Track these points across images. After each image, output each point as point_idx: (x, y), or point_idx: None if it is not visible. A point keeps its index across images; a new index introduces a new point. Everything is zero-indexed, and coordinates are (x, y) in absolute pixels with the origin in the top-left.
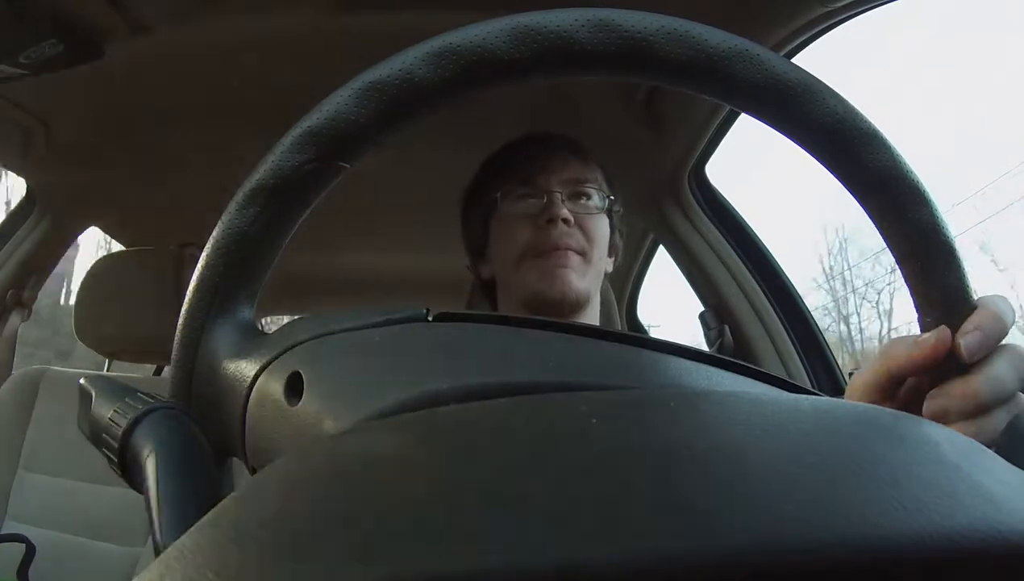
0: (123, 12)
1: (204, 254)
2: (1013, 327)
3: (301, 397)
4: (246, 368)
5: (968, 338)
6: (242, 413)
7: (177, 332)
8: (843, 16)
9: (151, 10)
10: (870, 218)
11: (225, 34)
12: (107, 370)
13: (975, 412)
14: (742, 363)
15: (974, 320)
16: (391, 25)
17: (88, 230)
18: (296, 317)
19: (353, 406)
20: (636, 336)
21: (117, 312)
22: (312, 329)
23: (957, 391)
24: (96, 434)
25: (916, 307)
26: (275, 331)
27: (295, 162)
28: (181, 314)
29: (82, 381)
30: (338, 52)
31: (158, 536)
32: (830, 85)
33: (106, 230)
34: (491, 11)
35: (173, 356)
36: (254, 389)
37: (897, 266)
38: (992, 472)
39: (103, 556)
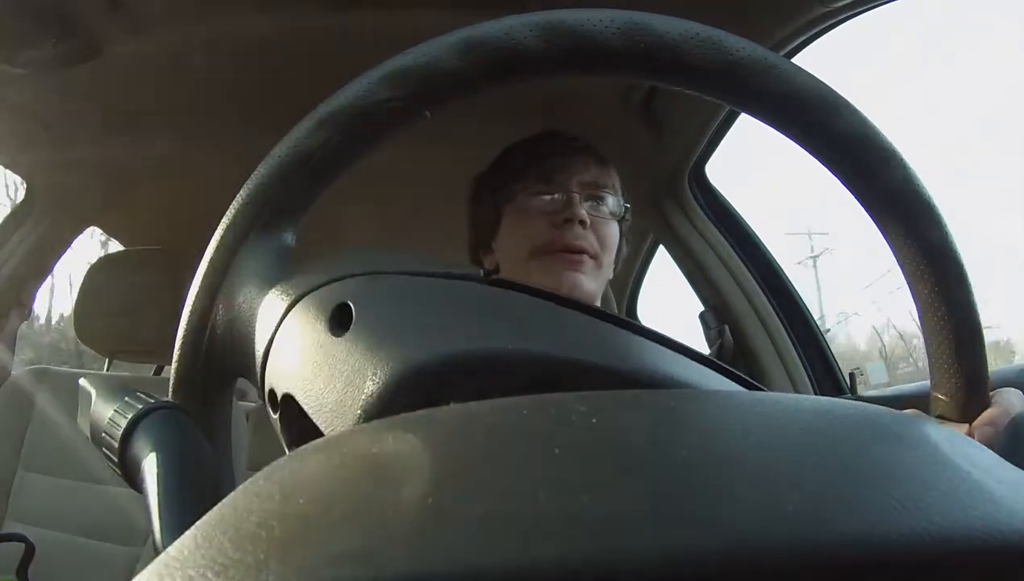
0: (123, 12)
1: (258, 170)
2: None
3: (347, 329)
4: (286, 290)
5: (982, 432)
6: (272, 334)
7: (212, 243)
8: (843, 16)
9: (151, 10)
10: (914, 298)
11: (225, 34)
12: (107, 370)
13: None
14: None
15: (985, 418)
16: (391, 25)
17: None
18: (348, 247)
19: (404, 349)
20: (655, 332)
21: (117, 312)
22: (366, 264)
23: None
24: (96, 434)
25: (934, 386)
26: (321, 259)
27: (381, 96)
28: (219, 228)
29: (82, 381)
30: (338, 52)
31: (158, 536)
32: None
33: (106, 230)
34: (492, 11)
35: (201, 269)
36: (291, 312)
37: (924, 339)
38: (992, 472)
39: (103, 556)
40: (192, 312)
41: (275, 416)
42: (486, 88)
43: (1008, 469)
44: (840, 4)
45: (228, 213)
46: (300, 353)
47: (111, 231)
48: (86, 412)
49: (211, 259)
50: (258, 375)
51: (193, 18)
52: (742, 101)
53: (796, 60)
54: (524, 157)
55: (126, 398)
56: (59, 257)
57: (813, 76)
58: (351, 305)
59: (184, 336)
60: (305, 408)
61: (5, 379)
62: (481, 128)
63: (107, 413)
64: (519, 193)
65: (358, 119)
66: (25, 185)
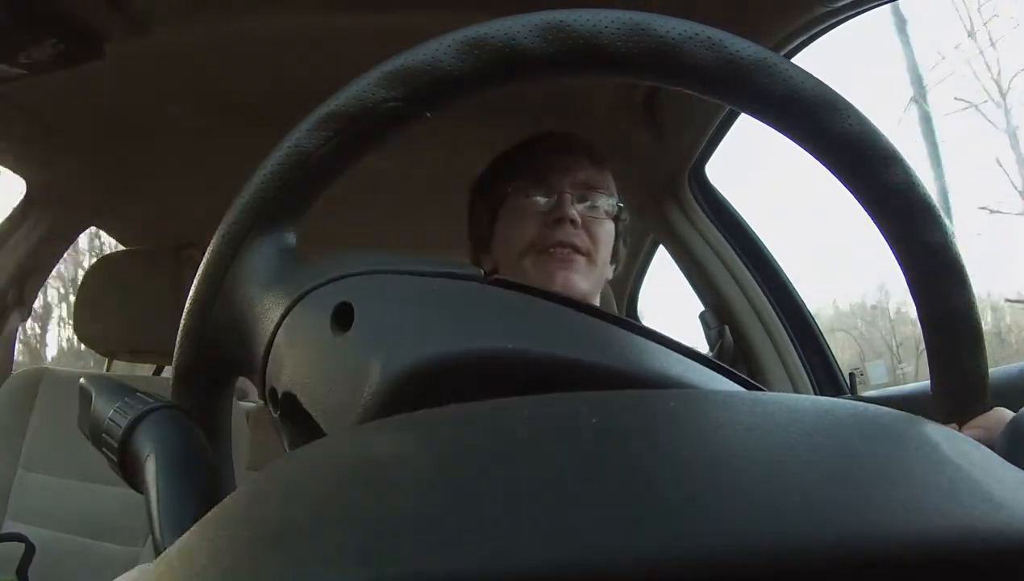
0: (123, 12)
1: (258, 170)
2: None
3: (348, 329)
4: (286, 289)
5: (980, 432)
6: (272, 333)
7: (212, 242)
8: (843, 16)
9: (151, 10)
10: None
11: (225, 34)
12: (107, 370)
13: None
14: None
15: (983, 421)
16: (391, 25)
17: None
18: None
19: (405, 348)
20: (652, 331)
21: (117, 312)
22: (368, 264)
23: None
24: (96, 434)
25: (934, 387)
26: (322, 258)
27: (380, 97)
28: (220, 226)
29: (82, 381)
30: (338, 52)
31: (158, 536)
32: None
33: (106, 230)
34: (492, 11)
35: (202, 267)
36: (292, 311)
37: (924, 341)
38: (992, 472)
39: (103, 556)
40: (192, 311)
41: (276, 415)
42: (485, 89)
43: (1008, 469)
44: (840, 4)
45: (228, 213)
46: (301, 352)
47: (111, 231)
48: (86, 412)
49: (211, 258)
50: (259, 374)
51: (193, 18)
52: (742, 102)
53: (796, 60)
54: (517, 159)
55: (126, 398)
56: (59, 257)
57: (814, 76)
58: (352, 304)
59: (184, 335)
60: (306, 407)
61: (5, 379)
62: (482, 128)
63: (107, 413)
64: (512, 194)
65: (357, 120)
66: (25, 185)
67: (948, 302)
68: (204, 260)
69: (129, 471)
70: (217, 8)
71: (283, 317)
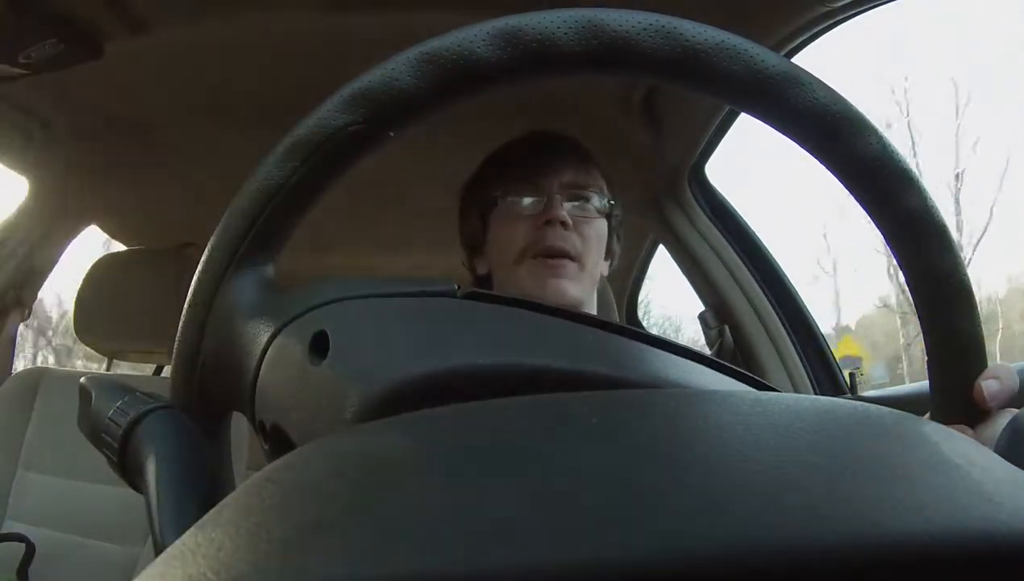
0: (123, 12)
1: (232, 204)
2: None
3: (325, 357)
4: (266, 322)
5: (989, 383)
6: (257, 367)
7: (194, 281)
8: (843, 16)
9: (151, 10)
10: (896, 257)
11: (225, 34)
12: (107, 370)
13: None
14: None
15: (992, 372)
16: (391, 25)
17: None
18: (322, 276)
19: (380, 372)
20: (638, 331)
21: (117, 312)
22: (341, 290)
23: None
24: (96, 434)
25: (930, 356)
26: (298, 288)
27: (342, 122)
28: (201, 262)
29: (82, 381)
30: (337, 52)
31: (158, 536)
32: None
33: (106, 230)
34: (492, 11)
35: (186, 305)
36: (273, 344)
37: (916, 307)
38: (992, 472)
39: (103, 556)
40: (181, 352)
41: (266, 447)
42: (445, 104)
43: (1008, 469)
44: (840, 4)
45: (207, 249)
46: (284, 384)
47: (111, 231)
48: (86, 412)
49: (194, 295)
50: (249, 408)
51: (193, 18)
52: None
53: (796, 60)
54: (505, 161)
55: (126, 398)
56: (59, 257)
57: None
58: (328, 332)
59: (176, 375)
60: (292, 437)
61: (5, 379)
62: (481, 128)
63: (107, 413)
64: (502, 198)
65: (321, 147)
66: (26, 185)
67: (952, 321)
68: (188, 296)
69: (129, 471)
70: (217, 8)
71: (264, 351)
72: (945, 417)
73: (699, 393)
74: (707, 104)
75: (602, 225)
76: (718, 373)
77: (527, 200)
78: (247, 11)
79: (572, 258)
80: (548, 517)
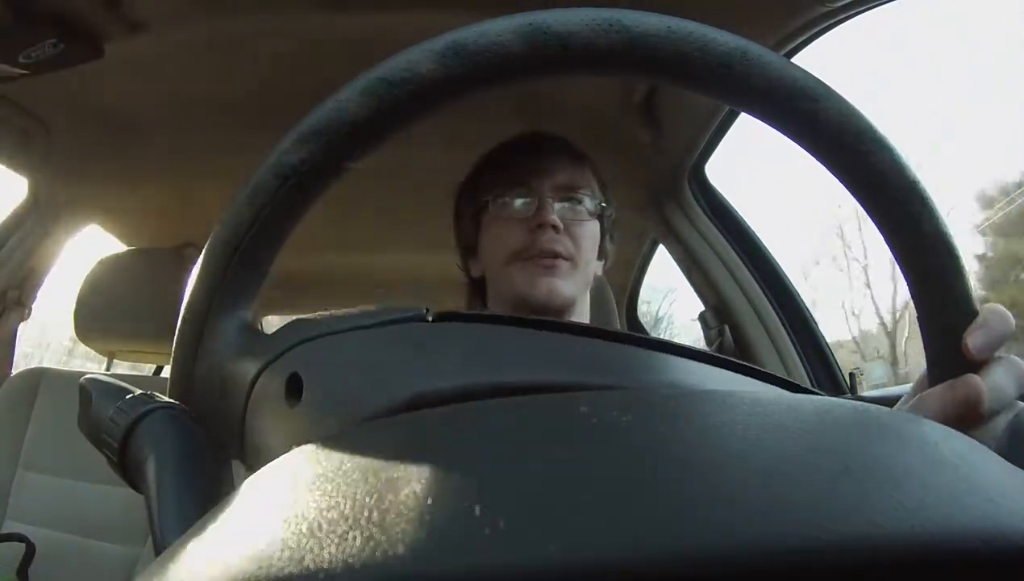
0: (123, 12)
1: (203, 254)
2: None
3: (300, 398)
4: (246, 369)
5: (975, 336)
6: (242, 414)
7: (176, 333)
8: (843, 16)
9: (151, 10)
10: (876, 224)
11: (225, 34)
12: (107, 370)
13: (975, 419)
14: (740, 363)
15: (979, 322)
16: (391, 25)
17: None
18: (296, 317)
19: (351, 408)
20: (631, 335)
21: (117, 312)
22: (312, 330)
23: (959, 395)
24: (96, 434)
25: (920, 314)
26: (275, 331)
27: (295, 160)
28: (180, 314)
29: (82, 381)
30: (338, 52)
31: (158, 536)
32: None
33: (106, 230)
34: (492, 11)
35: (173, 357)
36: (254, 390)
37: (900, 267)
38: (992, 472)
39: (103, 556)
40: (173, 394)
41: None
42: (396, 129)
43: (1008, 469)
44: (840, 4)
45: (185, 298)
46: (267, 429)
47: (111, 231)
48: (86, 412)
49: (179, 341)
50: (240, 455)
51: (193, 18)
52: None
53: (796, 60)
54: (496, 163)
55: (126, 398)
56: (59, 257)
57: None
58: (301, 374)
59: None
60: None
61: (5, 379)
62: (480, 128)
63: (107, 413)
64: (493, 200)
65: (278, 190)
66: (26, 185)
67: (946, 288)
68: (175, 341)
69: (129, 471)
70: (217, 8)
71: (248, 397)
72: (943, 375)
73: (698, 393)
74: (707, 104)
75: (594, 226)
76: (732, 372)
77: (518, 202)
78: (247, 11)
79: (564, 258)
80: (545, 517)
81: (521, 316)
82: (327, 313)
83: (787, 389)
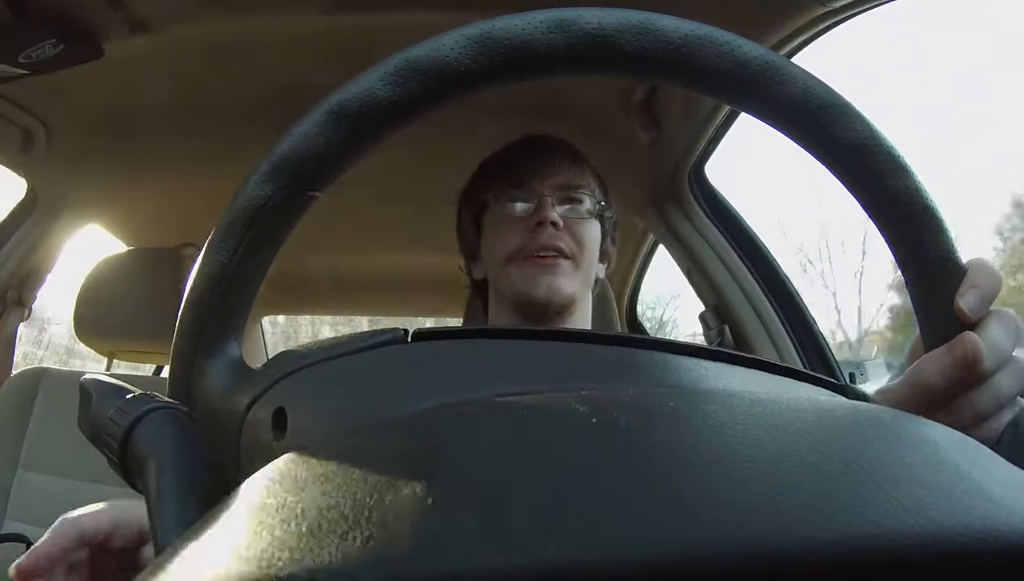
0: (123, 12)
1: (187, 294)
2: None
3: (286, 432)
4: (236, 405)
5: (967, 297)
6: (236, 449)
7: (169, 371)
8: (843, 16)
9: (151, 10)
10: (850, 191)
11: (225, 34)
12: (107, 370)
13: (977, 378)
14: (740, 354)
15: (969, 281)
16: (391, 25)
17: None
18: (281, 351)
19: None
20: (626, 336)
21: (117, 312)
22: (293, 362)
23: (958, 355)
24: (96, 434)
25: (907, 280)
26: (262, 366)
27: (265, 194)
28: (171, 354)
29: (82, 381)
30: (337, 52)
31: (158, 536)
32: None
33: (106, 230)
34: (491, 11)
35: (168, 393)
36: (244, 426)
37: (883, 237)
38: (992, 472)
39: None
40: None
41: None
42: (355, 158)
43: (1007, 469)
44: (840, 4)
45: (175, 333)
46: (260, 463)
47: (111, 231)
48: (86, 412)
49: (172, 375)
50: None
51: (193, 18)
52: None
53: (796, 60)
54: (496, 166)
55: (126, 398)
56: (59, 257)
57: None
58: (285, 408)
59: None
60: None
61: (5, 379)
62: (480, 128)
63: (107, 413)
64: (493, 202)
65: (252, 222)
66: (25, 185)
67: (929, 249)
68: (168, 377)
69: (129, 471)
70: (217, 8)
71: (240, 433)
72: (937, 340)
73: (698, 393)
74: (707, 104)
75: (595, 226)
76: (733, 365)
77: (518, 204)
78: (247, 11)
79: (566, 256)
80: (544, 517)
81: (495, 328)
82: (314, 342)
83: (808, 382)
